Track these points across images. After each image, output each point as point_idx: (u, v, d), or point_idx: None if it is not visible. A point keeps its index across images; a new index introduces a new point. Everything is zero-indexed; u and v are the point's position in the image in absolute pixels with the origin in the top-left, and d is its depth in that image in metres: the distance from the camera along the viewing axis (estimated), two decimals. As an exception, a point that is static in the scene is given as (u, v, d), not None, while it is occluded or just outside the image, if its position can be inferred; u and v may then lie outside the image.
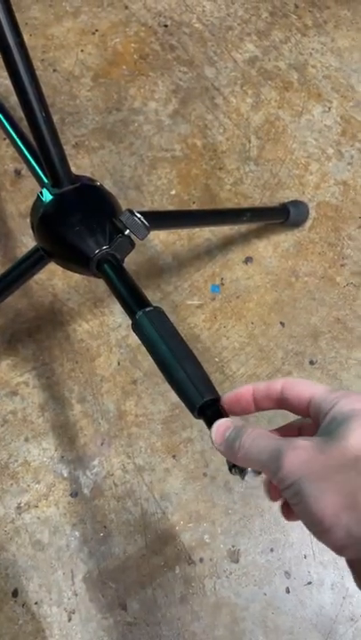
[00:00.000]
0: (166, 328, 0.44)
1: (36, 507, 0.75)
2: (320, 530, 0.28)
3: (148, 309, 0.46)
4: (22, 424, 0.80)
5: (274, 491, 0.36)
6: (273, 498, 0.36)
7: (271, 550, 0.73)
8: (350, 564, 0.30)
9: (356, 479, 0.28)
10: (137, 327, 0.45)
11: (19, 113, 1.02)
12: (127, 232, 0.58)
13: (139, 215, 0.57)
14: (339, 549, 0.28)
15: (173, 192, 0.97)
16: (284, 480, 0.29)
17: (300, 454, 0.29)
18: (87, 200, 0.60)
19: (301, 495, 0.28)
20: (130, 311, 0.48)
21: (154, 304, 0.48)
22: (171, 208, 0.95)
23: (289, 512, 0.34)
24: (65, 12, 1.14)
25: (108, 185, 0.97)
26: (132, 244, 0.58)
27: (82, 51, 1.10)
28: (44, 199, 0.60)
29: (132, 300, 0.50)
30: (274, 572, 0.73)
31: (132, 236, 0.58)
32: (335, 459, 0.29)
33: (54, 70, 1.08)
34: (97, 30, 1.12)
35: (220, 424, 0.35)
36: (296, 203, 0.93)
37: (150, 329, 0.44)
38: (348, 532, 0.27)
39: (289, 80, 1.09)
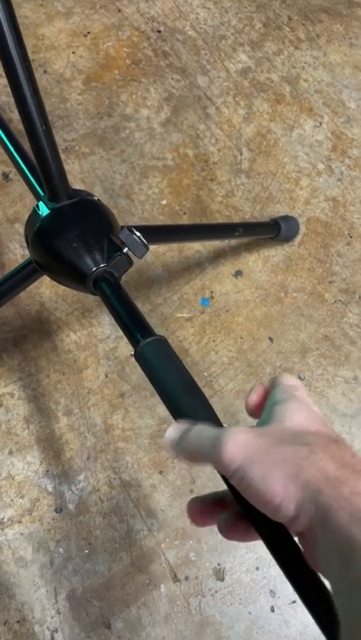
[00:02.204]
0: (171, 360, 0.43)
1: (20, 522, 0.74)
2: (272, 508, 0.28)
3: (151, 339, 0.45)
4: (6, 436, 0.78)
5: (200, 516, 0.36)
6: (200, 523, 0.36)
7: (257, 569, 0.73)
8: (301, 538, 0.30)
9: (295, 450, 0.29)
10: (140, 357, 0.44)
11: (7, 114, 1.00)
12: (125, 250, 0.57)
13: (138, 233, 0.56)
14: (292, 522, 0.28)
15: (164, 202, 0.96)
16: (227, 468, 0.30)
17: (238, 438, 0.30)
18: (85, 216, 0.58)
19: (247, 479, 0.29)
20: (132, 339, 0.47)
21: (158, 334, 0.47)
22: (161, 218, 0.94)
23: (228, 530, 0.34)
24: (57, 13, 1.12)
25: (99, 192, 0.95)
26: (130, 262, 0.57)
27: (73, 53, 1.08)
28: (40, 213, 0.58)
29: (135, 326, 0.49)
30: (259, 591, 0.73)
31: (131, 254, 0.57)
32: (275, 436, 0.30)
33: (45, 72, 1.06)
34: (89, 32, 1.10)
35: (171, 427, 0.36)
36: (287, 218, 0.93)
37: (155, 360, 0.43)
38: (298, 502, 0.27)
39: (281, 93, 1.09)
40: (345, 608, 0.25)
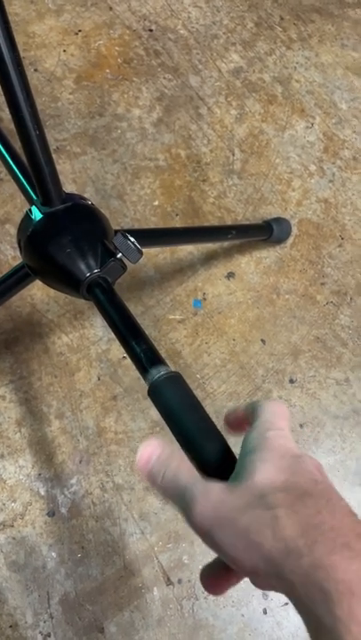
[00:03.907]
0: (188, 399, 0.41)
1: (12, 526, 0.74)
2: (245, 573, 0.29)
3: (167, 374, 0.42)
4: (-2, 440, 0.78)
5: (213, 586, 0.35)
6: (218, 593, 0.35)
7: (249, 571, 0.74)
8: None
9: (258, 516, 0.28)
10: (154, 395, 0.42)
11: (-2, 113, 0.99)
12: (119, 255, 0.56)
13: (132, 239, 0.56)
14: (267, 589, 0.29)
15: (156, 203, 0.95)
16: (196, 529, 0.30)
17: (208, 498, 0.29)
18: (79, 220, 0.58)
19: (216, 544, 0.29)
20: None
21: (172, 369, 0.44)
22: (153, 219, 0.94)
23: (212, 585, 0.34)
24: (47, 10, 1.10)
25: (91, 193, 0.95)
26: (124, 268, 0.57)
27: (64, 51, 1.07)
28: (33, 217, 0.58)
29: (129, 332, 0.48)
30: (252, 594, 0.73)
31: (124, 260, 0.57)
32: (242, 499, 0.29)
33: (35, 70, 1.05)
34: (80, 30, 1.09)
35: (146, 448, 0.34)
36: (279, 220, 0.93)
37: (170, 399, 0.40)
38: (265, 573, 0.27)
39: (273, 93, 1.09)
40: None
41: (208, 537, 0.29)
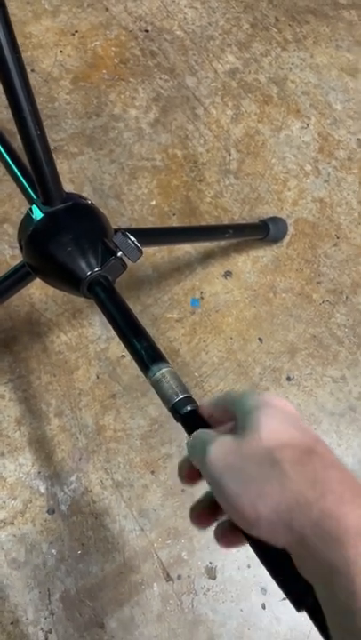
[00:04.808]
0: None
1: (12, 524, 0.74)
2: (246, 526, 0.29)
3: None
4: (-2, 438, 0.78)
5: (200, 519, 0.37)
6: (204, 526, 0.37)
7: (248, 566, 0.75)
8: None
9: (266, 469, 0.29)
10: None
11: (-5, 114, 0.99)
12: (120, 254, 0.57)
13: (132, 238, 0.57)
14: (269, 540, 0.29)
15: (154, 202, 0.96)
16: (207, 474, 0.31)
17: (221, 446, 0.32)
18: (79, 219, 0.58)
19: (223, 492, 0.30)
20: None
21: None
22: (151, 219, 0.95)
23: (224, 539, 0.35)
24: (44, 11, 1.11)
25: (88, 192, 0.95)
26: (125, 266, 0.58)
27: (61, 52, 1.08)
28: (34, 217, 0.58)
29: (131, 330, 0.49)
30: (250, 588, 0.74)
31: (125, 258, 0.57)
32: (250, 450, 0.30)
33: (32, 70, 1.05)
34: (77, 31, 1.10)
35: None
36: (275, 219, 0.94)
37: None
38: (269, 525, 0.28)
39: (269, 94, 1.10)
40: (334, 629, 0.26)
41: (217, 484, 0.30)
